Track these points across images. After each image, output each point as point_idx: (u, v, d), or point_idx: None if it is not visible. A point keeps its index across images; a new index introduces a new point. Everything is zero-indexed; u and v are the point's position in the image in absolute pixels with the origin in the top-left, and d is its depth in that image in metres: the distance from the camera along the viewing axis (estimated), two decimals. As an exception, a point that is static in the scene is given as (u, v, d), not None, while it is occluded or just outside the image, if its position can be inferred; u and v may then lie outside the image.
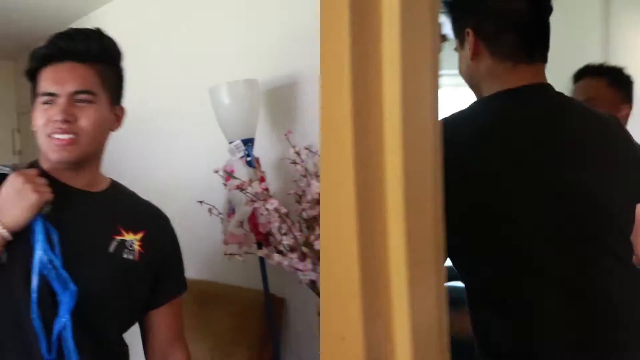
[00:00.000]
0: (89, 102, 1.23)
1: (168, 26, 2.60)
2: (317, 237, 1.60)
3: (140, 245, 1.29)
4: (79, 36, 1.26)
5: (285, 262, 1.62)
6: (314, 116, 1.91)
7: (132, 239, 1.28)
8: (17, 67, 4.34)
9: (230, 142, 1.88)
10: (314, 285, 1.65)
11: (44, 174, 1.23)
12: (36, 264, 1.14)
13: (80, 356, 1.17)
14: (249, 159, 1.87)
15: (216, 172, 1.71)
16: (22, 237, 1.16)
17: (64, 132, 1.21)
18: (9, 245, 1.15)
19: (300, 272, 1.63)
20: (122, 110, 1.33)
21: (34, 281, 1.13)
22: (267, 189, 1.81)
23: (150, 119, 2.60)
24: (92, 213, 1.29)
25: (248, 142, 1.88)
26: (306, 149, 1.66)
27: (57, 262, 1.15)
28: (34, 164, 1.30)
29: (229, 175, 1.69)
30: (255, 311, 2.10)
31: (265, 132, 1.98)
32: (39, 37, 2.67)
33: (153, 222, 1.36)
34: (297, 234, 1.61)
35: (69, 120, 1.20)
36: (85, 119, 1.22)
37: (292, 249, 1.63)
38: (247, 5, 2.20)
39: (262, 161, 1.91)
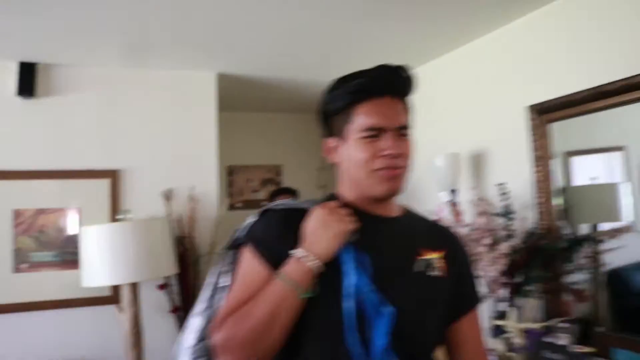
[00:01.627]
0: (407, 135, 1.24)
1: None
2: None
3: (443, 263, 1.28)
4: (398, 72, 1.24)
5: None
6: (491, 177, 2.99)
7: (434, 257, 1.27)
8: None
9: (440, 192, 3.07)
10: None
11: (345, 204, 1.26)
12: (350, 289, 1.12)
13: None
14: (452, 201, 3.03)
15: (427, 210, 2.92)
16: (330, 267, 1.15)
17: (396, 165, 1.21)
18: (319, 276, 1.14)
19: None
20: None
21: (349, 306, 1.11)
22: (460, 219, 2.95)
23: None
24: (394, 236, 1.27)
25: (452, 191, 3.05)
26: (478, 198, 2.77)
27: (370, 287, 1.13)
28: (332, 196, 1.33)
29: (435, 213, 2.89)
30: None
31: (465, 185, 3.11)
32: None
33: (450, 241, 1.36)
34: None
35: (401, 154, 1.21)
36: (408, 152, 1.24)
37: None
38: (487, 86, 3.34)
39: (461, 202, 3.05)
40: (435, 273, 1.27)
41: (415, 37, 3.06)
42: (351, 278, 1.14)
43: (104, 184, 3.35)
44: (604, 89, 2.27)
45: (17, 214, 3.21)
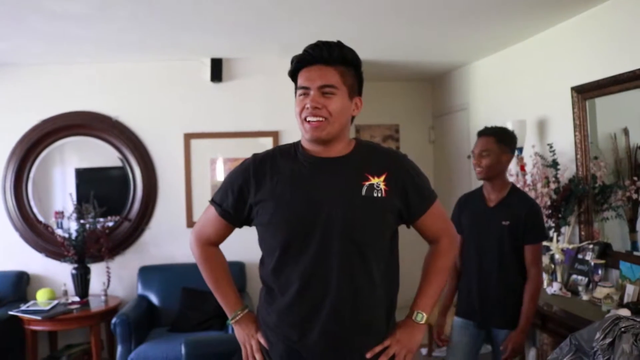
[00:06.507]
0: (332, 93, 1.51)
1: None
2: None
3: (385, 184, 1.56)
4: (324, 46, 1.55)
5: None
6: (546, 138, 3.97)
7: (378, 181, 1.56)
8: (432, 86, 6.22)
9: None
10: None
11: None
12: None
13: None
14: (518, 155, 4.04)
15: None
16: None
17: (315, 115, 1.50)
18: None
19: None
20: (360, 100, 1.63)
21: None
22: (524, 169, 3.96)
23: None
24: (342, 171, 1.57)
25: (519, 148, 4.04)
26: (536, 154, 3.78)
27: None
28: (297, 144, 1.65)
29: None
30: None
31: (528, 144, 4.09)
32: (444, 69, 5.27)
33: (392, 164, 1.61)
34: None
35: (318, 107, 1.50)
36: (331, 106, 1.51)
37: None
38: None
39: (525, 157, 4.05)
40: (379, 194, 1.57)
41: (486, 34, 4.11)
42: None
43: (269, 140, 4.74)
44: (619, 77, 3.20)
45: (212, 161, 4.72)
